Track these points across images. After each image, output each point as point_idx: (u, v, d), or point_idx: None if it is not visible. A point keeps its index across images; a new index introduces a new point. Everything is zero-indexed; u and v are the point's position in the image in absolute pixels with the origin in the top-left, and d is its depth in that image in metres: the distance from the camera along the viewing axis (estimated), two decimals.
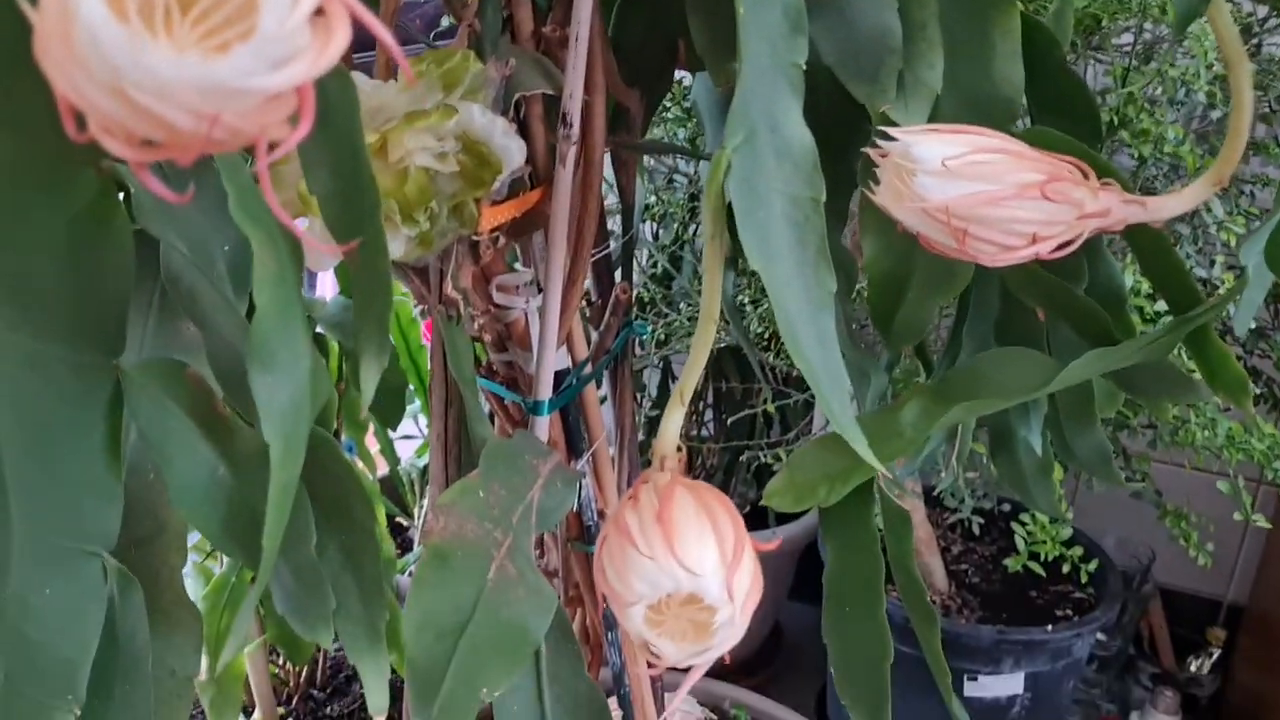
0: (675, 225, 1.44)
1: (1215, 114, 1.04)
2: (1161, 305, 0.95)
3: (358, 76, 0.54)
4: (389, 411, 1.07)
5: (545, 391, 0.66)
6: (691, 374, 0.52)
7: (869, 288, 0.64)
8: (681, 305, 1.51)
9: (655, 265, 1.51)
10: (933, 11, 0.54)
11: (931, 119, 0.56)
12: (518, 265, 0.72)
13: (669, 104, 1.18)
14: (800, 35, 0.43)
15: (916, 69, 0.54)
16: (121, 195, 0.40)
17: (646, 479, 0.46)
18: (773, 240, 0.44)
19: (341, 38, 0.23)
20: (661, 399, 1.71)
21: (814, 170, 0.44)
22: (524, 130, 0.63)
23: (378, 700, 0.50)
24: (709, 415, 1.76)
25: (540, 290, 0.65)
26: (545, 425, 0.67)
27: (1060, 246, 0.52)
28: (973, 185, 0.48)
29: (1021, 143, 0.51)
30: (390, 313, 0.36)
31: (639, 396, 1.69)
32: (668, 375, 1.71)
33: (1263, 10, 1.05)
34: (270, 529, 0.35)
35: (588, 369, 0.71)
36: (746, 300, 1.24)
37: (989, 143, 0.49)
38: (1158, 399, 0.67)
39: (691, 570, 0.39)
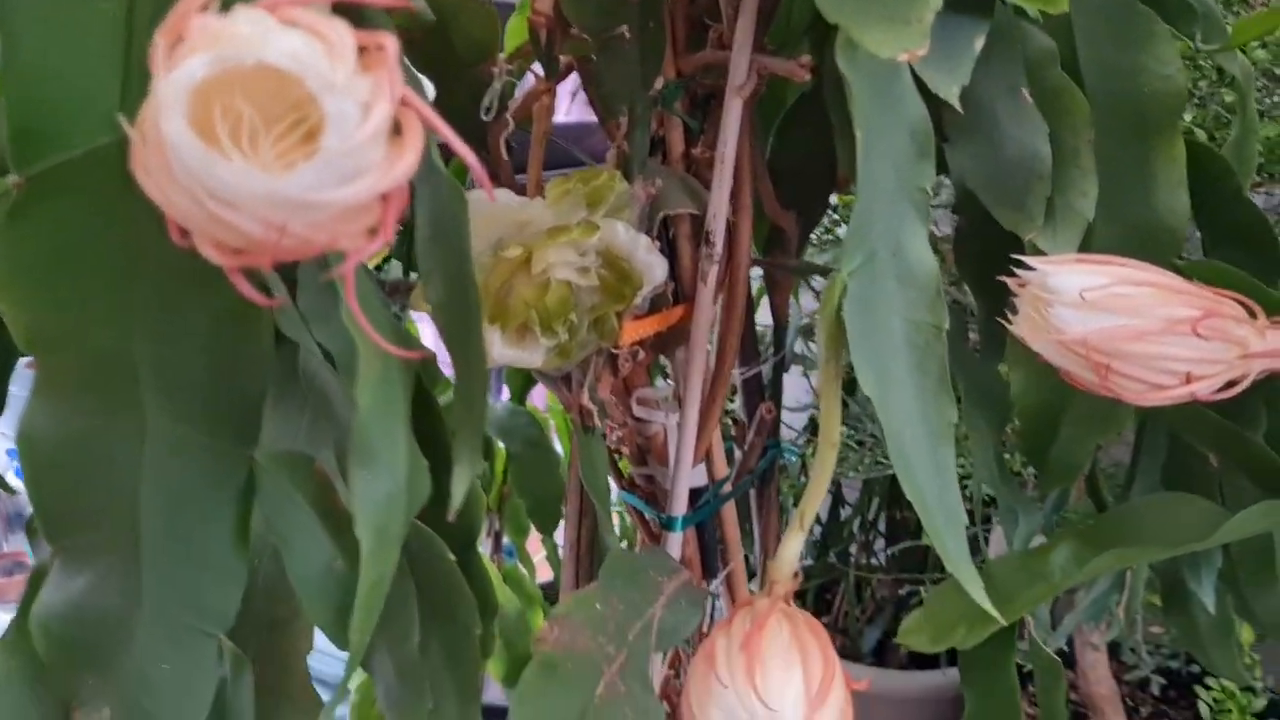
0: None
1: None
2: None
3: (506, 194, 0.56)
4: (547, 517, 1.09)
5: (679, 507, 0.65)
6: (811, 501, 0.51)
7: (1019, 421, 0.61)
8: (857, 426, 1.48)
9: None
10: (1086, 138, 0.53)
11: (1088, 248, 0.54)
12: (669, 380, 0.72)
13: (839, 224, 1.18)
14: (927, 160, 0.43)
15: (1068, 196, 0.52)
16: None
17: (749, 603, 0.45)
18: (890, 366, 0.42)
19: (414, 154, 0.24)
20: (830, 523, 1.66)
21: (936, 296, 0.43)
22: (672, 248, 0.64)
23: None
24: (880, 544, 1.70)
25: (681, 405, 0.65)
26: (678, 542, 0.66)
27: (1226, 387, 0.49)
28: (1114, 319, 0.45)
29: (1176, 277, 0.48)
30: (484, 423, 0.37)
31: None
32: (838, 502, 1.67)
33: None
34: (359, 622, 0.36)
35: (727, 487, 0.70)
36: None
37: (1136, 275, 0.46)
38: None
39: (768, 705, 0.38)
